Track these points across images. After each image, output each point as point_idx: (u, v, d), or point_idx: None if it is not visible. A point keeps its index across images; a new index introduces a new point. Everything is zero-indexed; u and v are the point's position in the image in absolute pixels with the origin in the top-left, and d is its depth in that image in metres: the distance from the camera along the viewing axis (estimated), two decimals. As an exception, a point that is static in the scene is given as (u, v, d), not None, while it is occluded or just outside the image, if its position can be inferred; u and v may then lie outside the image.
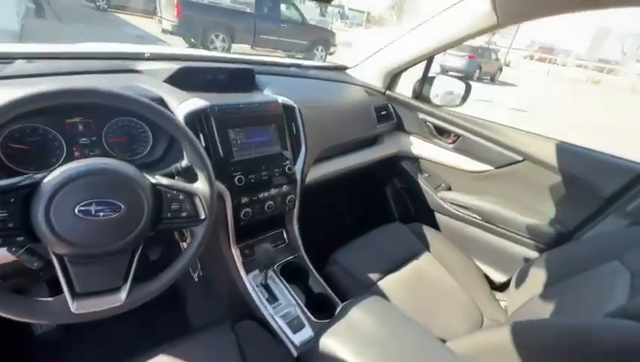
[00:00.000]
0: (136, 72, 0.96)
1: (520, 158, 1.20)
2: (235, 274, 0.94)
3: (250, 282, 0.94)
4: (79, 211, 0.49)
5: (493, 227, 1.26)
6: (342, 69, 1.62)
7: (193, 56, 1.18)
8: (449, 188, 1.45)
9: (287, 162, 0.98)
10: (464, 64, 11.95)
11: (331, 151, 1.26)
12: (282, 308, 0.91)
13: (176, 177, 0.68)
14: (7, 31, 6.09)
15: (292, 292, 0.96)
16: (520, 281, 0.98)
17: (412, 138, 1.49)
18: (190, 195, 0.62)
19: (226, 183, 0.85)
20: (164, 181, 0.61)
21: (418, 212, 1.54)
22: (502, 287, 1.27)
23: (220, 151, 0.85)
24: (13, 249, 0.51)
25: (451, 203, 1.37)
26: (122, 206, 0.53)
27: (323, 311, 0.95)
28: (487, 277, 1.25)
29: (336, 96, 1.33)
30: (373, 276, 1.06)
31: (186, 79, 0.93)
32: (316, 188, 1.17)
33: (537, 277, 0.91)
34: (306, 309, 0.91)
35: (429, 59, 1.35)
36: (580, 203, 1.11)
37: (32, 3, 8.07)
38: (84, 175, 0.51)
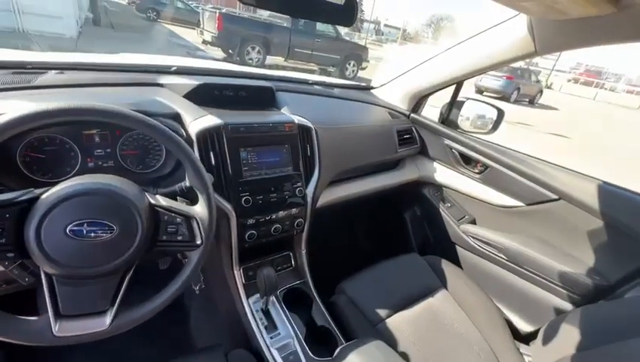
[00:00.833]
0: (159, 85, 0.98)
1: (555, 197, 1.09)
2: (236, 296, 0.91)
3: (249, 306, 0.90)
4: (70, 231, 0.48)
5: (521, 269, 1.15)
6: (367, 88, 1.58)
7: (218, 71, 1.20)
8: (473, 221, 1.35)
9: (299, 184, 0.95)
10: (501, 85, 11.52)
11: (347, 174, 1.22)
12: (280, 339, 0.86)
13: (178, 198, 0.67)
14: (67, 37, 6.71)
15: (293, 322, 0.91)
16: (549, 336, 0.87)
17: (436, 164, 1.41)
18: (188, 218, 0.60)
19: (232, 203, 0.83)
20: (163, 202, 0.59)
21: (437, 243, 1.44)
22: (527, 339, 1.14)
23: (230, 170, 0.83)
24: (6, 263, 0.51)
25: (474, 237, 1.27)
26: (115, 227, 0.51)
27: (324, 345, 0.89)
28: (510, 325, 1.13)
29: (356, 117, 1.29)
30: (382, 312, 0.99)
31: (205, 95, 0.93)
32: (329, 211, 1.12)
33: (570, 335, 0.79)
34: (305, 344, 0.86)
35: (459, 83, 1.28)
36: (624, 253, 0.98)
37: (91, 13, 8.84)
38: (79, 194, 0.50)
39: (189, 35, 10.04)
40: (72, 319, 0.51)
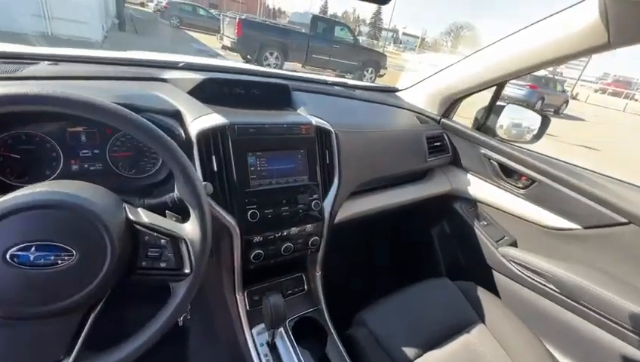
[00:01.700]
0: (162, 80, 0.87)
1: (623, 220, 0.90)
2: (237, 325, 0.78)
3: (252, 339, 0.76)
4: (11, 257, 0.36)
5: (577, 305, 0.96)
6: (392, 90, 1.44)
7: (230, 68, 1.09)
8: (514, 244, 1.17)
9: (315, 196, 0.81)
10: (524, 94, 11.07)
11: (370, 185, 1.07)
12: None
13: (167, 213, 0.54)
14: (93, 40, 6.91)
15: (303, 359, 0.76)
16: None
17: (470, 176, 1.24)
18: (175, 240, 0.47)
19: (236, 217, 0.70)
20: (145, 218, 0.47)
21: (470, 267, 1.26)
22: (585, 391, 0.95)
23: (235, 178, 0.70)
24: None
25: (516, 262, 1.09)
26: (75, 252, 0.39)
27: None
28: None
29: (381, 121, 1.15)
30: (410, 351, 0.83)
31: (212, 91, 0.82)
32: (346, 227, 0.98)
33: None
34: None
35: (500, 85, 1.12)
36: None
37: (117, 19, 9.13)
38: (26, 208, 0.38)
39: (210, 40, 10.21)
40: None
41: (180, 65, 0.96)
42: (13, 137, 0.61)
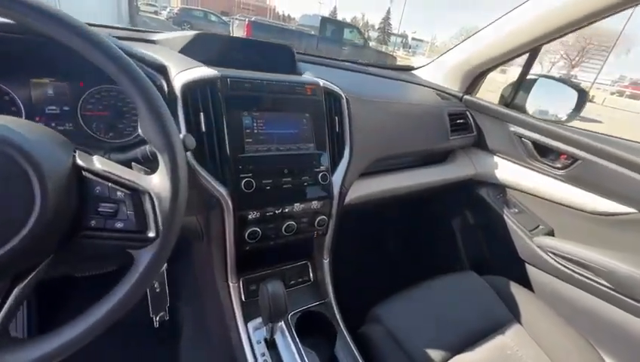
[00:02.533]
0: (150, 42, 0.78)
1: None
2: (230, 319, 0.66)
3: (247, 335, 0.64)
4: None
5: (631, 302, 0.81)
6: (407, 69, 1.32)
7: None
8: (550, 233, 1.03)
9: (323, 168, 0.69)
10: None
11: (384, 166, 0.94)
12: None
13: (133, 164, 0.43)
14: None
15: (307, 360, 0.64)
16: None
17: (497, 159, 1.10)
18: (137, 194, 0.36)
19: (228, 187, 0.59)
20: (98, 164, 0.36)
21: (498, 259, 1.12)
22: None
23: (227, 140, 0.59)
24: None
25: (556, 254, 0.94)
26: None
27: None
28: None
29: (399, 94, 1.03)
30: (436, 354, 0.70)
31: (205, 50, 0.71)
32: (357, 212, 0.86)
33: None
34: None
35: (534, 52, 0.99)
36: None
37: (130, 24, 9.32)
38: None
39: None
40: None
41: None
42: None
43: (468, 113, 1.11)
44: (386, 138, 0.87)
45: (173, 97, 0.57)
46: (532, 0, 0.87)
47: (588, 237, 0.94)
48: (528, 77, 1.08)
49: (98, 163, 0.36)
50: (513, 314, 0.83)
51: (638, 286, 0.78)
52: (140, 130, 0.37)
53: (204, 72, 0.60)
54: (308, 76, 0.77)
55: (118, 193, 0.35)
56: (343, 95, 0.75)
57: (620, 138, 0.91)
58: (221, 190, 0.59)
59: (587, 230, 0.94)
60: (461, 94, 1.13)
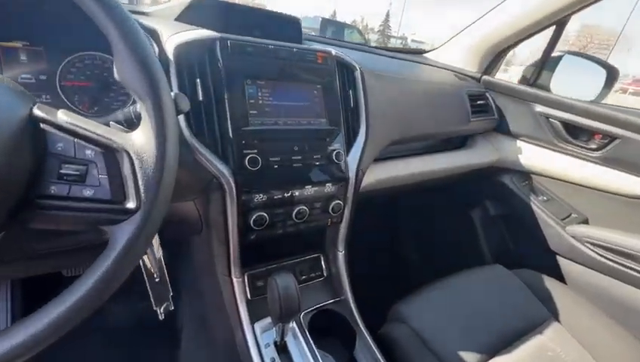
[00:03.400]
0: (141, 13, 0.70)
1: None
2: (234, 319, 0.57)
3: (254, 337, 0.56)
4: None
5: None
6: (418, 52, 1.24)
7: None
8: (585, 222, 0.94)
9: (337, 146, 0.61)
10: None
11: (397, 149, 0.86)
12: None
13: (111, 123, 0.35)
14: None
15: None
16: None
17: (521, 143, 1.02)
18: (111, 153, 0.28)
19: (230, 165, 0.51)
20: (63, 116, 0.28)
21: (525, 252, 1.03)
22: None
23: (227, 111, 0.51)
24: None
25: (594, 244, 0.85)
26: None
27: None
28: None
29: (413, 72, 0.95)
30: (468, 356, 0.61)
31: (204, 17, 0.63)
32: (368, 201, 0.77)
33: None
34: None
35: (560, 24, 0.91)
36: None
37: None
38: None
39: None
40: None
41: None
42: None
43: (488, 95, 1.03)
44: (403, 117, 0.79)
45: (165, 62, 0.50)
46: None
47: (627, 224, 0.85)
48: (555, 54, 1.00)
49: (63, 115, 0.28)
50: (550, 311, 0.74)
51: None
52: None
53: (201, 33, 0.52)
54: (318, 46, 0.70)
55: (87, 151, 0.27)
56: (357, 66, 0.67)
57: None
58: (222, 168, 0.51)
59: (625, 216, 0.85)
60: (479, 75, 1.05)
